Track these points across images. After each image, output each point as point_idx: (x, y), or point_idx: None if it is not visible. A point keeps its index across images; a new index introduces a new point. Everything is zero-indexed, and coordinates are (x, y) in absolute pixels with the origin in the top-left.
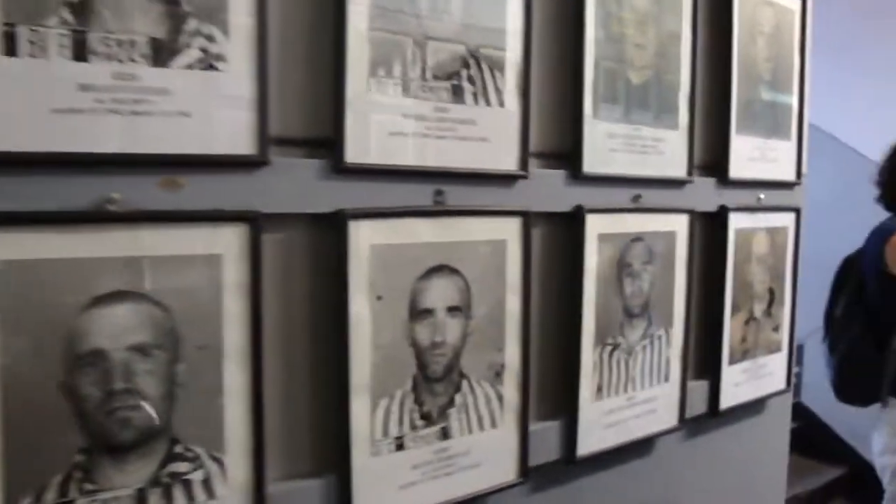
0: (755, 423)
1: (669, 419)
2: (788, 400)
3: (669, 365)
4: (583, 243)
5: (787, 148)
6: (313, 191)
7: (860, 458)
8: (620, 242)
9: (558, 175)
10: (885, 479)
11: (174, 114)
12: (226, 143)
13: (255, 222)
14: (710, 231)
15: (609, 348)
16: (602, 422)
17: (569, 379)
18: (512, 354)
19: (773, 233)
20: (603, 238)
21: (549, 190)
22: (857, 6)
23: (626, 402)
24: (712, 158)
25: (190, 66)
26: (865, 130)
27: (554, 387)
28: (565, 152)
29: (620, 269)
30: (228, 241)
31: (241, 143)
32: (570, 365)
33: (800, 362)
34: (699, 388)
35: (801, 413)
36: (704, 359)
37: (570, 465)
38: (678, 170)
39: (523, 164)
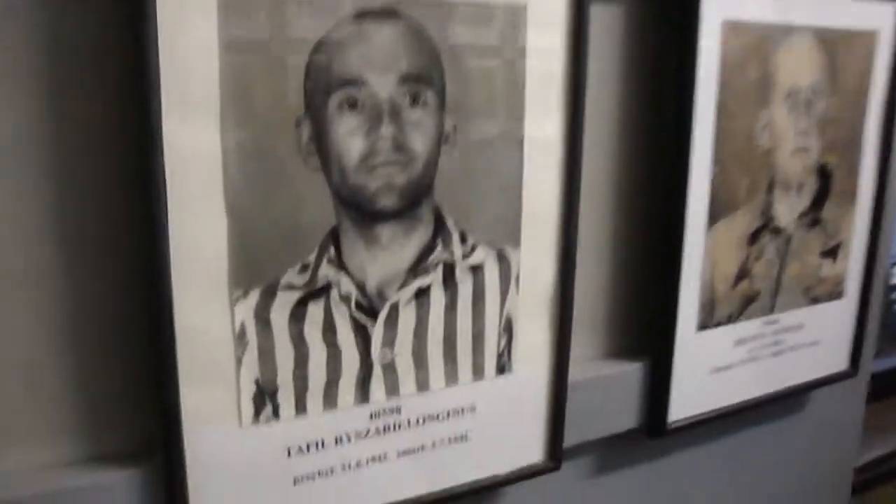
0: (770, 440)
1: (513, 455)
2: (857, 397)
3: (513, 334)
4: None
5: None
6: None
7: None
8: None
9: None
10: None
11: None
12: None
13: None
14: (647, 26)
15: (292, 295)
16: (290, 472)
17: (157, 372)
18: None
19: (835, 43)
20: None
21: None
22: None
23: (366, 424)
24: None
25: None
26: None
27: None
28: None
29: (317, 102)
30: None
31: None
32: (152, 340)
33: None
34: (628, 375)
35: None
36: (635, 316)
37: None
38: None
39: None
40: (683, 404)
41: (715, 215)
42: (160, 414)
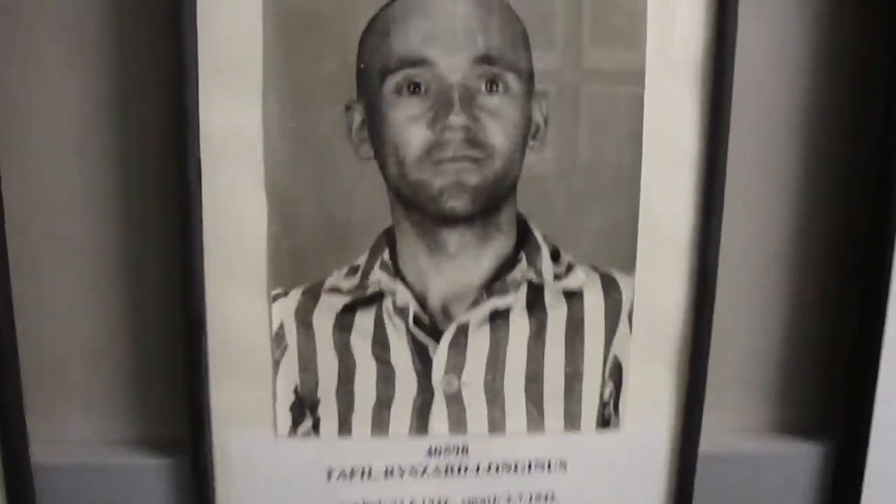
0: None
1: None
2: None
3: (622, 381)
4: None
5: None
6: None
7: None
8: None
9: None
10: None
11: None
12: None
13: None
14: None
15: (338, 300)
16: (331, 496)
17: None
18: None
19: None
20: None
21: None
22: None
23: (424, 460)
24: None
25: None
26: None
27: None
28: None
29: (371, 83)
30: None
31: None
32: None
33: None
34: (796, 458)
35: None
36: (810, 379)
37: None
38: None
39: None
40: None
41: None
42: (189, 410)
